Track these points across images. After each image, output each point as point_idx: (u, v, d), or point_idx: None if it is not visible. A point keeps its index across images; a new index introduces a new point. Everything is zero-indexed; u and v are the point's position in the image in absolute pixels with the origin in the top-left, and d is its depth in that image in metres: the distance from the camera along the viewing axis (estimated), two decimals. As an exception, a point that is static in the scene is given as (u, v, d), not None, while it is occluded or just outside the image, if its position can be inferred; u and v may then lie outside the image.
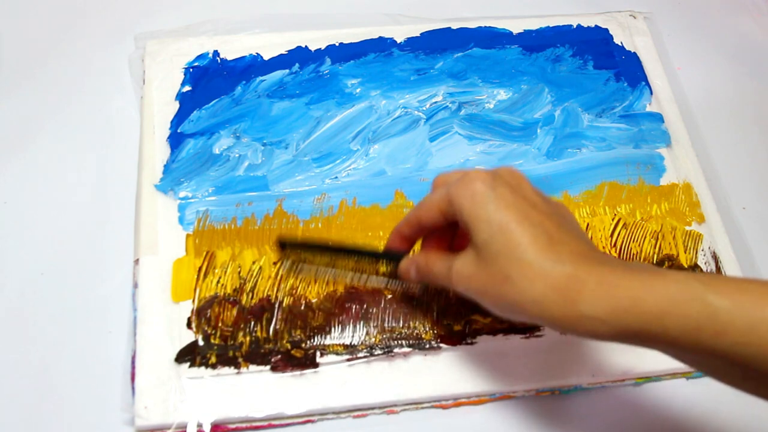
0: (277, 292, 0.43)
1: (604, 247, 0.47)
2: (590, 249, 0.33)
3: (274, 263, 0.44)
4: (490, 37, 0.56)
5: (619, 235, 0.47)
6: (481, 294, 0.33)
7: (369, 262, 0.43)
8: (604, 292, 0.30)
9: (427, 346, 0.42)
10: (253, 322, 0.42)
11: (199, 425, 0.39)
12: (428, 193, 0.37)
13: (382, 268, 0.43)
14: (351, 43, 0.55)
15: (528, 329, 0.43)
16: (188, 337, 0.41)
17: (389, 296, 0.44)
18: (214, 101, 0.51)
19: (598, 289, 0.30)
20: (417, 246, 0.41)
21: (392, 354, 0.42)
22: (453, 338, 0.42)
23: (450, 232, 0.39)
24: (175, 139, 0.49)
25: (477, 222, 0.33)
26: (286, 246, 0.43)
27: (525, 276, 0.31)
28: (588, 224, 0.48)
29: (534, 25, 0.57)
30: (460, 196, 0.34)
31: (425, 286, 0.44)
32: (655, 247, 0.47)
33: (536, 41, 0.56)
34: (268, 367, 0.41)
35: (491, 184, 0.33)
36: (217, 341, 0.41)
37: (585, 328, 0.31)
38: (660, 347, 0.31)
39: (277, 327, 0.42)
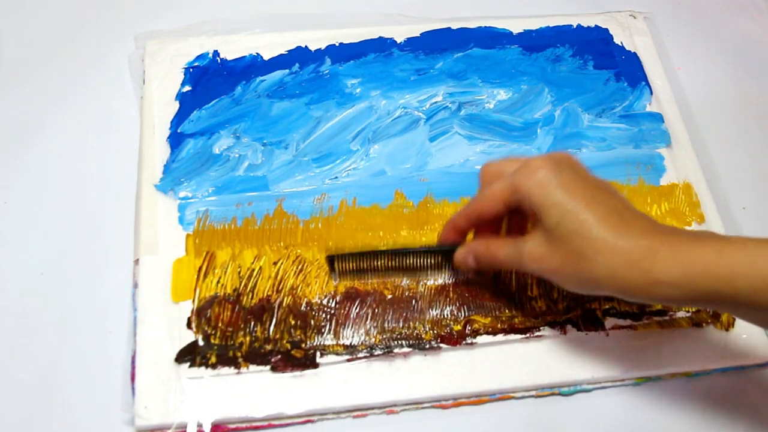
0: (277, 292, 0.43)
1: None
2: (656, 223, 0.36)
3: (274, 263, 0.44)
4: (490, 37, 0.56)
5: (619, 235, 0.47)
6: (555, 272, 0.36)
7: (420, 259, 0.43)
8: (677, 259, 0.33)
9: (427, 346, 0.42)
10: (253, 322, 0.42)
11: (199, 425, 0.39)
12: (486, 187, 0.39)
13: (433, 262, 0.43)
14: (351, 43, 0.55)
15: (528, 329, 0.43)
16: (188, 337, 0.41)
17: (389, 296, 0.44)
18: (214, 101, 0.51)
19: (671, 257, 0.33)
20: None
21: (392, 354, 0.42)
22: (453, 338, 0.42)
23: (500, 222, 0.41)
24: (175, 139, 0.49)
25: (547, 207, 0.35)
26: (335, 259, 0.43)
27: (599, 252, 0.34)
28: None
29: (534, 25, 0.57)
30: (526, 184, 0.36)
31: (479, 272, 0.44)
32: (655, 247, 0.47)
33: (536, 41, 0.56)
34: (268, 367, 0.41)
35: (555, 169, 0.36)
36: (217, 341, 0.41)
37: (659, 294, 0.33)
38: (729, 308, 0.34)
39: (277, 327, 0.42)
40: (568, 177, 0.36)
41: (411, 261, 0.43)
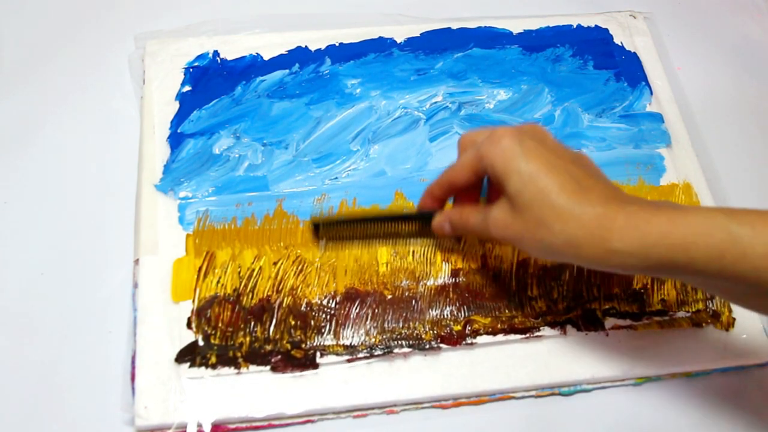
0: (277, 292, 0.43)
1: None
2: (616, 191, 0.36)
3: (274, 263, 0.44)
4: (490, 37, 0.56)
5: (619, 235, 0.47)
6: (518, 239, 0.36)
7: (401, 225, 0.44)
8: (633, 228, 0.33)
9: (427, 346, 0.42)
10: (253, 323, 0.42)
11: (199, 425, 0.39)
12: (458, 156, 0.40)
13: (414, 229, 0.45)
14: (351, 43, 0.55)
15: (528, 329, 0.43)
16: (188, 337, 0.41)
17: (389, 297, 0.44)
18: (214, 101, 0.51)
19: (627, 225, 0.33)
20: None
21: (392, 354, 0.42)
22: (453, 338, 0.42)
23: (477, 190, 0.42)
24: (175, 139, 0.49)
25: (509, 175, 0.36)
26: (320, 226, 0.44)
27: (558, 219, 0.34)
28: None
29: (534, 25, 0.57)
30: (490, 152, 0.37)
31: (458, 239, 0.46)
32: (655, 247, 0.47)
33: (536, 41, 0.56)
34: (268, 367, 0.41)
35: (518, 138, 0.36)
36: (217, 341, 0.41)
37: (616, 263, 0.33)
38: (685, 276, 0.34)
39: (277, 327, 0.42)
40: (531, 145, 0.36)
41: (392, 227, 0.44)
